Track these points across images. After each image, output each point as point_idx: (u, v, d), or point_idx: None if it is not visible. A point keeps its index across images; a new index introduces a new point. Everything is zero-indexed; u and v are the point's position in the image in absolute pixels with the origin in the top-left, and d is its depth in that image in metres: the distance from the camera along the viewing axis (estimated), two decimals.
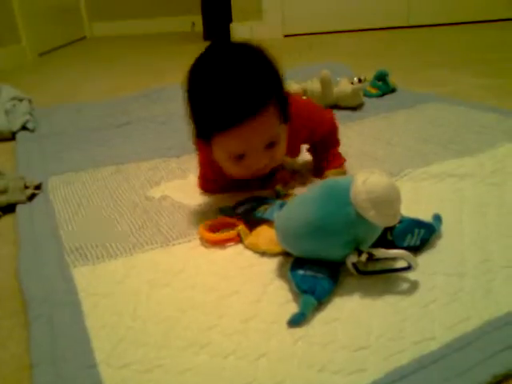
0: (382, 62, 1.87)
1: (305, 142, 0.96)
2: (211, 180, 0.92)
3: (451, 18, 2.99)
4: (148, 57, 2.83)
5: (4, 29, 2.62)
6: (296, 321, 0.56)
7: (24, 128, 1.42)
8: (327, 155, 0.95)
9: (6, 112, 1.44)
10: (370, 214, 0.58)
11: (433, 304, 0.58)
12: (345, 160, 0.96)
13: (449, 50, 2.32)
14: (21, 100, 1.54)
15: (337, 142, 0.98)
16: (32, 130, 1.42)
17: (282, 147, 0.81)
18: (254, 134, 0.74)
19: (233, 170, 0.81)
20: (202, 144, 0.85)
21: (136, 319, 0.59)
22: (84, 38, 3.92)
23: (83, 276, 0.68)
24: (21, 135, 1.38)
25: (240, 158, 0.78)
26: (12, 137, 1.39)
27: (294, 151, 0.93)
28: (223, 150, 0.78)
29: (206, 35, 3.22)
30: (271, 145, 0.78)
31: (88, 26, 3.97)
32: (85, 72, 2.48)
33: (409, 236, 0.66)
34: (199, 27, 3.40)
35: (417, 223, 0.68)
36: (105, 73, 2.39)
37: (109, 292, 0.64)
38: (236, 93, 0.71)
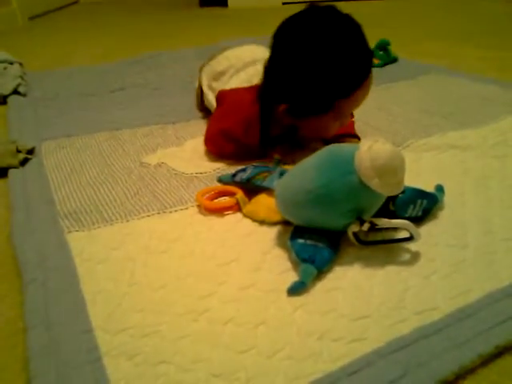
0: (382, 32, 1.82)
1: None
2: (231, 138, 0.88)
3: None
4: (142, 22, 2.76)
5: None
6: (295, 289, 0.55)
7: (15, 92, 1.38)
8: None
9: None
10: (374, 182, 0.56)
11: (434, 275, 0.57)
12: (358, 136, 0.93)
13: (449, 21, 2.28)
14: (11, 63, 1.49)
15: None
16: (24, 95, 1.38)
17: None
18: (368, 88, 0.80)
19: (325, 130, 0.84)
20: (236, 99, 0.87)
21: (132, 285, 0.57)
22: (76, 2, 3.81)
23: (78, 241, 0.66)
24: (12, 99, 1.34)
25: (342, 118, 0.81)
26: (3, 101, 1.35)
27: None
28: (343, 111, 0.79)
29: (202, 1, 3.13)
30: None
31: None
32: (77, 37, 2.41)
33: (411, 206, 0.65)
34: None
35: (419, 193, 0.66)
36: (97, 38, 2.33)
37: (104, 258, 0.63)
38: (362, 53, 0.75)
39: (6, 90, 1.37)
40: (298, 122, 0.83)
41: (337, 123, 0.82)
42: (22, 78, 1.45)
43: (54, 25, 2.83)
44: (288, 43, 0.76)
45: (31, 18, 2.90)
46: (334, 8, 0.76)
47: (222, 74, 1.00)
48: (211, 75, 1.05)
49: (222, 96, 0.94)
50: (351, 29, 0.75)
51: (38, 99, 1.35)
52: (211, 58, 1.15)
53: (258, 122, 0.86)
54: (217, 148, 0.90)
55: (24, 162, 0.91)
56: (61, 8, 3.43)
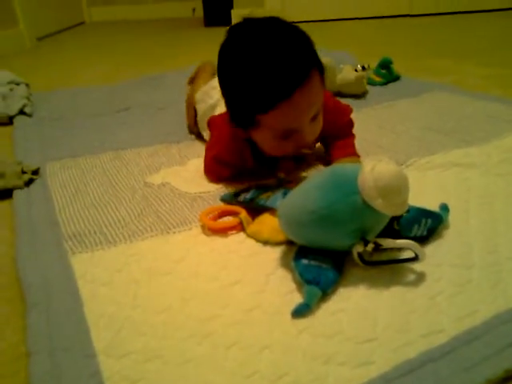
0: (385, 50, 1.84)
1: (323, 133, 0.90)
2: (225, 163, 0.88)
3: (453, 8, 2.96)
4: (148, 42, 2.79)
5: (1, 12, 2.57)
6: (300, 312, 0.54)
7: (21, 112, 1.39)
8: (340, 143, 0.93)
9: (3, 96, 1.41)
10: (378, 203, 0.56)
11: (440, 296, 0.56)
12: (358, 155, 0.92)
13: (451, 39, 2.29)
14: (18, 84, 1.51)
15: (352, 135, 0.96)
16: (30, 115, 1.39)
17: (321, 120, 0.80)
18: (303, 103, 0.73)
19: (277, 149, 0.80)
20: (222, 124, 0.85)
21: (136, 308, 0.57)
22: (83, 23, 3.87)
23: (82, 263, 0.66)
24: (18, 120, 1.36)
25: (287, 135, 0.76)
26: (9, 121, 1.37)
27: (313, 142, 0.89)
28: (272, 128, 0.76)
29: (207, 21, 3.18)
30: (314, 118, 0.77)
31: (87, 10, 3.91)
32: (83, 57, 2.44)
33: (416, 226, 0.65)
34: (200, 13, 3.36)
35: (424, 213, 0.66)
36: (103, 58, 2.36)
37: (108, 280, 0.62)
38: (281, 66, 0.70)
39: (13, 111, 1.38)
40: (245, 133, 0.81)
41: (284, 142, 0.78)
42: (28, 98, 1.46)
43: (61, 45, 2.88)
44: (219, 55, 0.78)
45: (39, 39, 2.94)
46: (271, 20, 0.74)
47: (219, 100, 0.98)
48: (209, 104, 1.02)
49: (211, 123, 0.93)
50: (276, 44, 0.71)
51: (44, 120, 1.36)
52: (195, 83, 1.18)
53: (246, 144, 0.85)
54: (215, 175, 0.90)
55: (29, 183, 0.92)
56: (68, 28, 3.49)
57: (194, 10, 3.70)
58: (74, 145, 1.14)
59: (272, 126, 0.75)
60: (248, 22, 0.76)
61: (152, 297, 0.59)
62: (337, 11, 3.03)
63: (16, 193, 0.88)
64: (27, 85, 1.56)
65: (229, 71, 0.76)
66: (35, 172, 0.95)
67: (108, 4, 3.92)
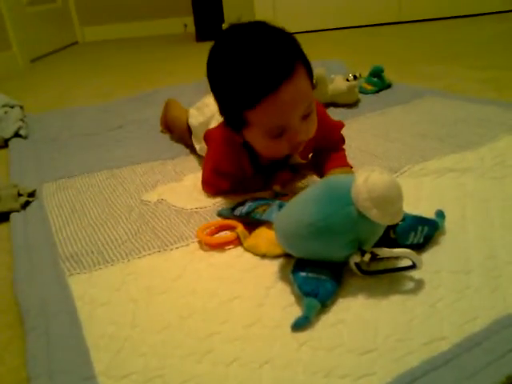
0: (376, 58, 1.86)
1: (316, 147, 0.91)
2: (224, 174, 0.88)
3: (442, 13, 2.99)
4: (140, 60, 2.81)
5: None
6: (300, 325, 0.54)
7: (16, 135, 1.40)
8: (332, 155, 0.93)
9: None
10: (372, 213, 0.56)
11: (440, 303, 0.56)
12: (350, 166, 0.92)
13: (442, 44, 2.31)
14: (12, 107, 1.52)
15: (342, 149, 0.96)
16: (25, 137, 1.40)
17: (314, 120, 0.80)
18: (290, 98, 0.72)
19: (271, 149, 0.80)
20: (217, 136, 0.86)
21: (135, 328, 0.57)
22: (76, 43, 3.90)
23: (79, 284, 0.66)
24: (13, 142, 1.36)
25: (279, 134, 0.76)
26: (4, 144, 1.37)
27: (305, 153, 0.90)
28: (262, 125, 0.75)
29: (199, 36, 3.20)
30: (306, 116, 0.77)
31: (80, 30, 3.94)
32: (77, 77, 2.45)
33: (412, 234, 0.65)
34: (191, 28, 3.38)
35: (420, 220, 0.66)
36: (97, 77, 2.37)
37: (106, 300, 0.62)
38: (266, 60, 0.71)
39: (7, 134, 1.39)
40: (239, 136, 0.82)
41: (277, 141, 0.77)
42: (22, 120, 1.47)
43: (55, 66, 2.89)
44: (208, 59, 0.80)
45: (33, 61, 2.96)
46: (256, 23, 0.76)
47: (212, 117, 0.99)
48: (200, 121, 1.04)
49: (207, 136, 0.93)
50: (260, 40, 0.73)
51: (39, 141, 1.36)
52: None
53: (244, 152, 0.86)
54: (214, 188, 0.90)
55: (25, 205, 0.92)
56: (61, 49, 3.51)
57: (185, 25, 3.74)
58: (70, 165, 1.14)
59: (261, 122, 0.75)
60: (234, 26, 0.78)
61: (151, 316, 0.59)
62: (327, 21, 3.07)
63: (13, 216, 0.88)
64: (21, 107, 1.56)
65: (216, 70, 0.78)
66: (31, 194, 0.95)
67: (101, 23, 3.95)
